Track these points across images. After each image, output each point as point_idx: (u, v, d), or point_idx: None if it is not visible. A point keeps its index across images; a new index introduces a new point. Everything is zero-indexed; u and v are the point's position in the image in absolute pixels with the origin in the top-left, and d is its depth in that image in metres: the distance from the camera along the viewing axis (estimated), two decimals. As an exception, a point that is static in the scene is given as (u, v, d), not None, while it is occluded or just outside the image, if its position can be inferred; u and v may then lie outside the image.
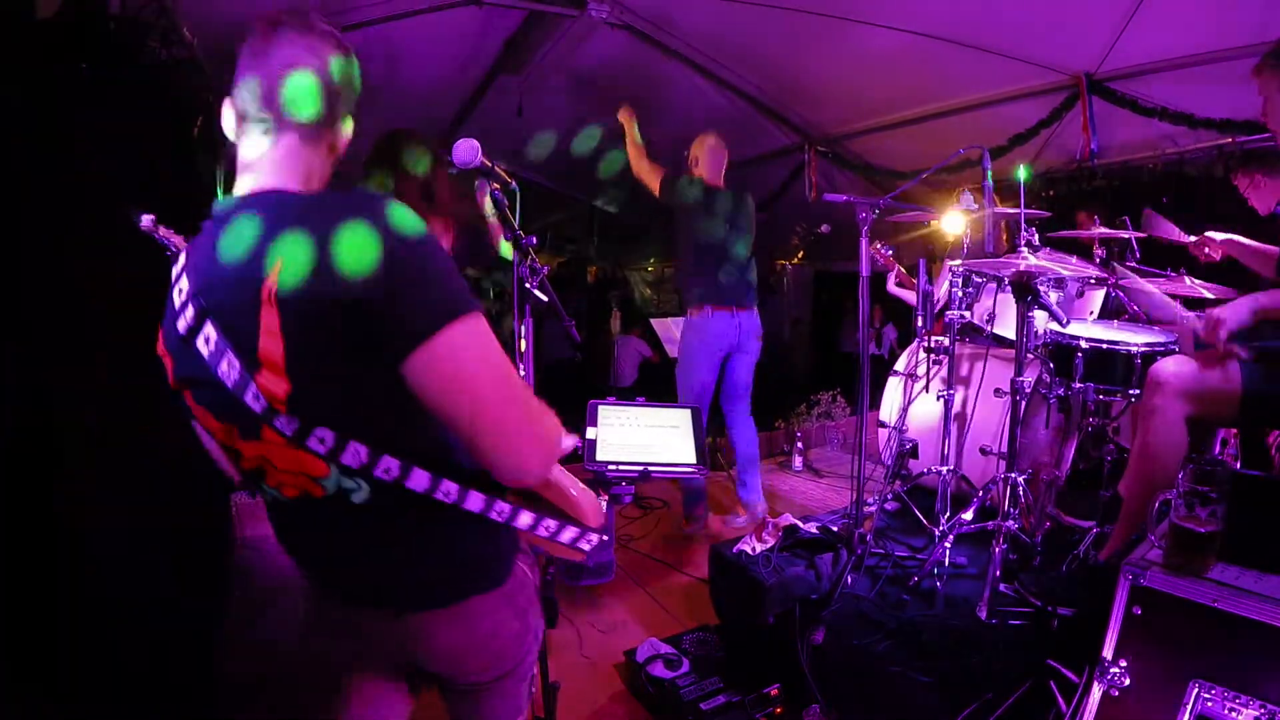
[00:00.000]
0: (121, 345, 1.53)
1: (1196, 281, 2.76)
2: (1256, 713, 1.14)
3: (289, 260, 0.79)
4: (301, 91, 0.90)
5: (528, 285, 1.67)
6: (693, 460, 1.88)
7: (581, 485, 1.13)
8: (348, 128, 0.99)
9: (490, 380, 0.85)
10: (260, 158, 0.91)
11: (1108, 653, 1.30)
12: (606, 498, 1.81)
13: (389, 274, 0.78)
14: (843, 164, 5.36)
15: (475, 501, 0.92)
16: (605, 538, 1.10)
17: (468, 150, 1.62)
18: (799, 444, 4.48)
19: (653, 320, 4.79)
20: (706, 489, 3.54)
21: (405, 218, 0.82)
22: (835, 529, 2.38)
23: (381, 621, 1.03)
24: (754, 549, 2.31)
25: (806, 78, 4.55)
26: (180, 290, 0.88)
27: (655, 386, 3.79)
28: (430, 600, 1.00)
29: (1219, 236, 2.28)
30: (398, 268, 0.79)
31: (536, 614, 1.17)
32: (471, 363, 0.84)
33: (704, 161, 3.39)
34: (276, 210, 0.86)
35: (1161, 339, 2.20)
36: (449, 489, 0.90)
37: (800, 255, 7.36)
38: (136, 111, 2.34)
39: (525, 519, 0.98)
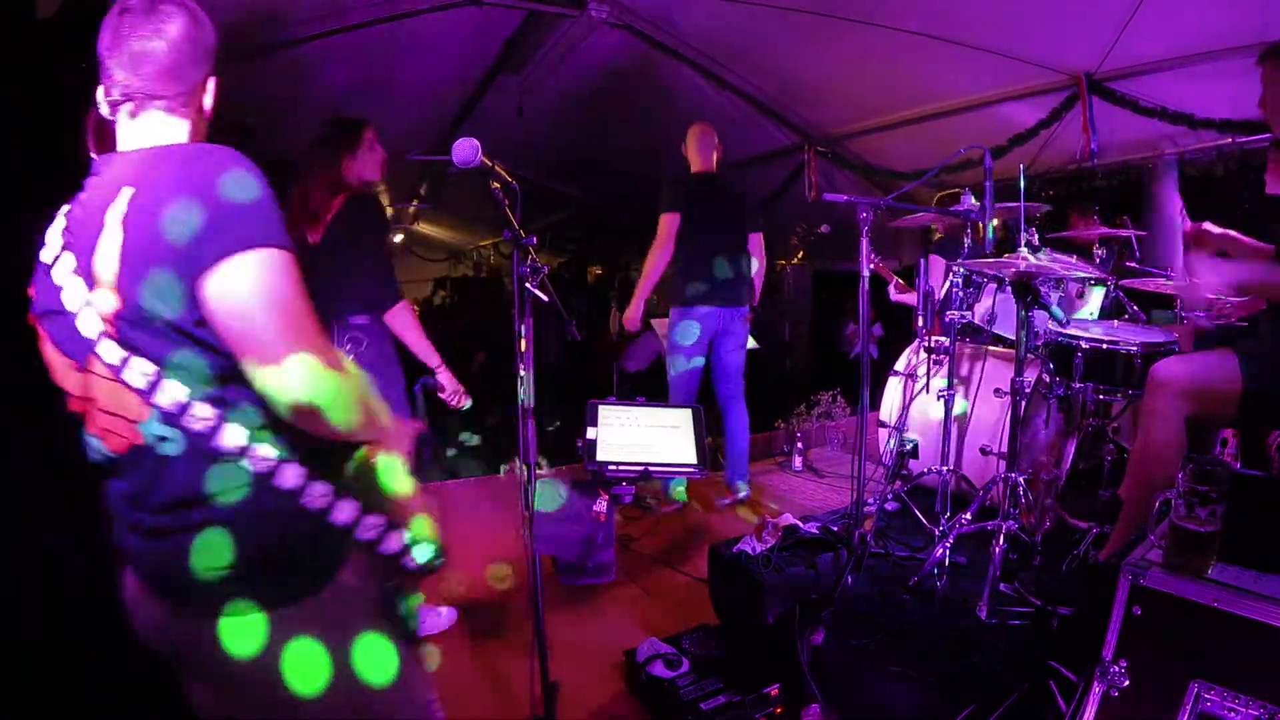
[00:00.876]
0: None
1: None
2: (1256, 713, 1.14)
3: (138, 190, 0.88)
4: (156, 71, 0.97)
5: (528, 285, 1.67)
6: (693, 460, 1.89)
7: (420, 495, 1.03)
8: (210, 88, 1.05)
9: (279, 316, 0.88)
10: (132, 136, 0.99)
11: (1108, 653, 1.30)
12: (607, 497, 1.81)
13: (210, 205, 0.86)
14: (843, 164, 5.36)
15: (291, 476, 0.90)
16: (436, 560, 0.99)
17: (467, 149, 1.62)
18: (799, 444, 4.48)
19: (653, 320, 4.78)
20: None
21: (230, 159, 0.90)
22: (835, 529, 2.38)
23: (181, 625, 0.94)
24: (754, 549, 2.31)
25: (806, 78, 4.55)
26: (54, 229, 0.98)
27: (657, 386, 3.80)
28: (216, 597, 0.90)
29: (1215, 230, 2.26)
30: (217, 201, 0.86)
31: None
32: (261, 294, 0.87)
33: (692, 148, 3.44)
34: (137, 156, 0.96)
35: (1161, 339, 2.20)
36: (265, 455, 0.90)
37: (800, 255, 7.36)
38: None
39: (345, 512, 0.93)
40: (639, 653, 2.15)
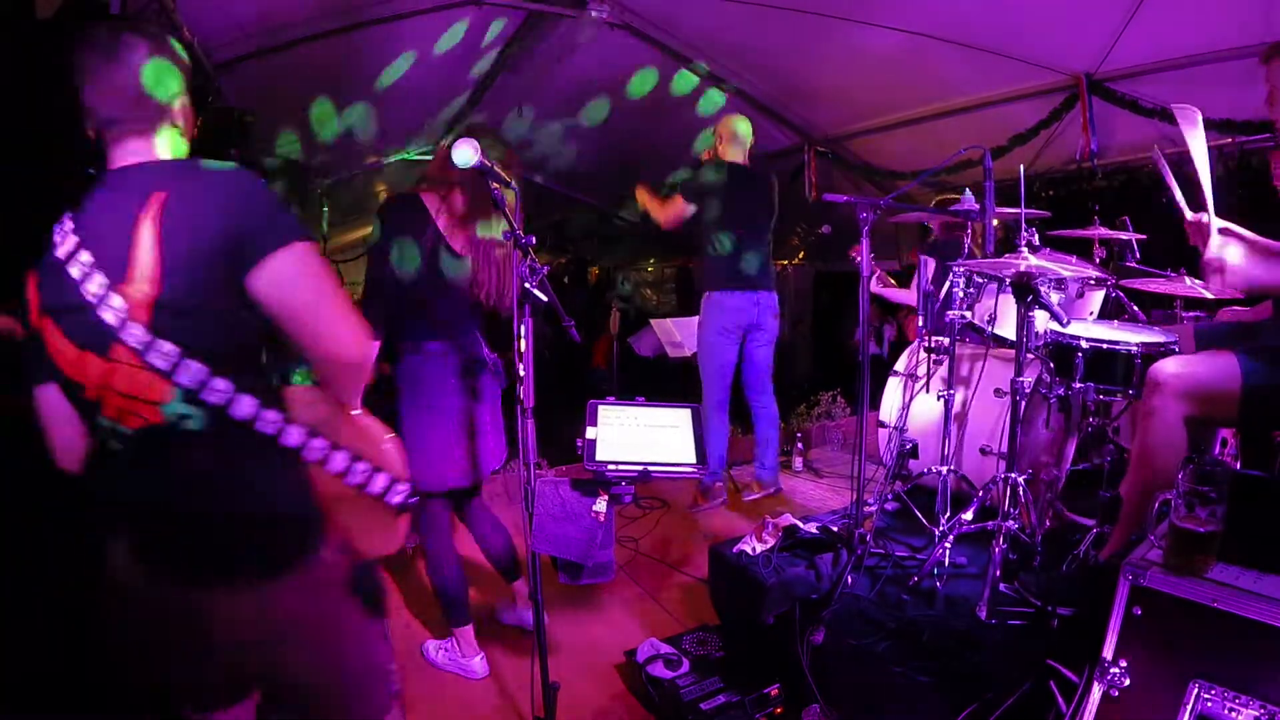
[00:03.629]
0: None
1: (1196, 282, 2.76)
2: (1256, 713, 1.14)
3: (171, 197, 0.97)
4: (124, 101, 1.05)
5: (527, 285, 1.67)
6: (692, 460, 1.89)
7: (390, 438, 1.21)
8: (182, 105, 1.12)
9: (322, 288, 1.04)
10: (126, 151, 1.06)
11: (1108, 653, 1.30)
12: (606, 497, 1.81)
13: (256, 208, 1.01)
14: (842, 164, 5.36)
15: (294, 435, 1.05)
16: (408, 494, 1.16)
17: (468, 150, 1.62)
18: (799, 444, 4.48)
19: (653, 321, 4.78)
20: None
21: (249, 174, 1.04)
22: (835, 529, 2.38)
23: (194, 599, 1.04)
24: (754, 549, 2.31)
25: (806, 78, 4.55)
26: (63, 229, 1.03)
27: (658, 385, 3.81)
28: (238, 567, 1.04)
29: (1218, 223, 2.21)
30: (252, 200, 1.01)
31: (354, 609, 1.16)
32: (309, 273, 1.03)
33: (728, 140, 3.48)
34: (156, 168, 1.05)
35: (1161, 339, 2.20)
36: (272, 418, 1.03)
37: (800, 255, 7.37)
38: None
39: (339, 460, 1.09)
40: (639, 653, 2.15)
